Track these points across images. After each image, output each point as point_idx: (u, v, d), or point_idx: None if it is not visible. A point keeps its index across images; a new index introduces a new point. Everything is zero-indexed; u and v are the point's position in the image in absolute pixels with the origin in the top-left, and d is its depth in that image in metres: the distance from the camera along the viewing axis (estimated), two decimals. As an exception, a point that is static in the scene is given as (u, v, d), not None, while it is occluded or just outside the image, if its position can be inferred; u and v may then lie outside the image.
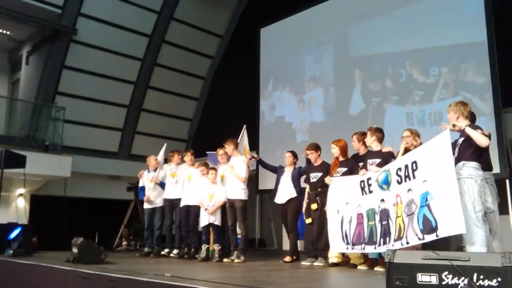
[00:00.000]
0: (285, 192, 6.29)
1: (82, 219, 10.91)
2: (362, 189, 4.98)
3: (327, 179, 5.65)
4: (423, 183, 4.12)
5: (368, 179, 4.93)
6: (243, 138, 7.26)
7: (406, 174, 4.35)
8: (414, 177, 4.25)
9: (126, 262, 6.00)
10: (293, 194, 6.24)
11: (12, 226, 7.34)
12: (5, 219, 8.85)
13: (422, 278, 2.64)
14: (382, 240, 4.57)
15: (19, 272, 5.56)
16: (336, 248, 5.27)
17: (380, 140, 5.38)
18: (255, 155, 7.00)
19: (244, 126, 7.41)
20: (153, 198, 7.39)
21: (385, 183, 4.64)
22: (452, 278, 2.56)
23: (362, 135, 5.54)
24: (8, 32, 12.18)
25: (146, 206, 7.53)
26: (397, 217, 4.41)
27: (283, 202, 6.31)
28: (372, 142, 5.37)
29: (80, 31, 11.58)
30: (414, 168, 4.25)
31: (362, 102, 9.08)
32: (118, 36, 12.23)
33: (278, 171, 6.55)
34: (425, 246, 4.19)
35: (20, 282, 5.52)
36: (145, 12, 12.46)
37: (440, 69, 8.05)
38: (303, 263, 5.81)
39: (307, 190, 6.03)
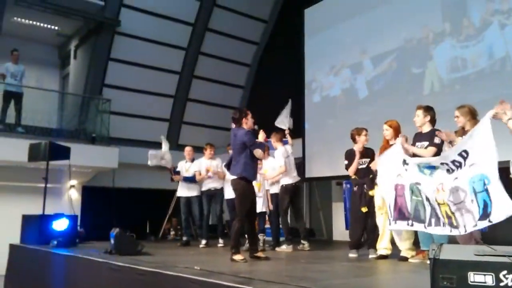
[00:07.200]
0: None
1: (131, 209, 11.02)
2: (404, 161, 4.41)
3: (373, 165, 5.19)
4: (470, 168, 3.67)
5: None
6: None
7: (458, 164, 3.83)
8: (464, 165, 3.76)
9: (164, 254, 5.89)
10: None
11: (58, 217, 7.40)
12: (56, 210, 8.99)
13: (474, 278, 2.20)
14: (432, 220, 4.04)
15: (58, 263, 5.55)
16: (398, 227, 4.58)
17: (433, 120, 4.81)
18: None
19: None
20: (186, 187, 7.49)
21: (428, 168, 4.10)
22: (512, 279, 2.11)
23: (428, 110, 4.80)
24: (55, 27, 12.43)
25: (180, 194, 7.59)
26: (440, 204, 3.90)
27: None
28: (425, 122, 4.75)
29: (124, 23, 11.58)
30: (465, 156, 3.76)
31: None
32: (162, 26, 12.13)
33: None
34: (485, 240, 3.69)
35: (58, 273, 5.51)
36: (187, 0, 12.29)
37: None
38: (350, 255, 5.37)
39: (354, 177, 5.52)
